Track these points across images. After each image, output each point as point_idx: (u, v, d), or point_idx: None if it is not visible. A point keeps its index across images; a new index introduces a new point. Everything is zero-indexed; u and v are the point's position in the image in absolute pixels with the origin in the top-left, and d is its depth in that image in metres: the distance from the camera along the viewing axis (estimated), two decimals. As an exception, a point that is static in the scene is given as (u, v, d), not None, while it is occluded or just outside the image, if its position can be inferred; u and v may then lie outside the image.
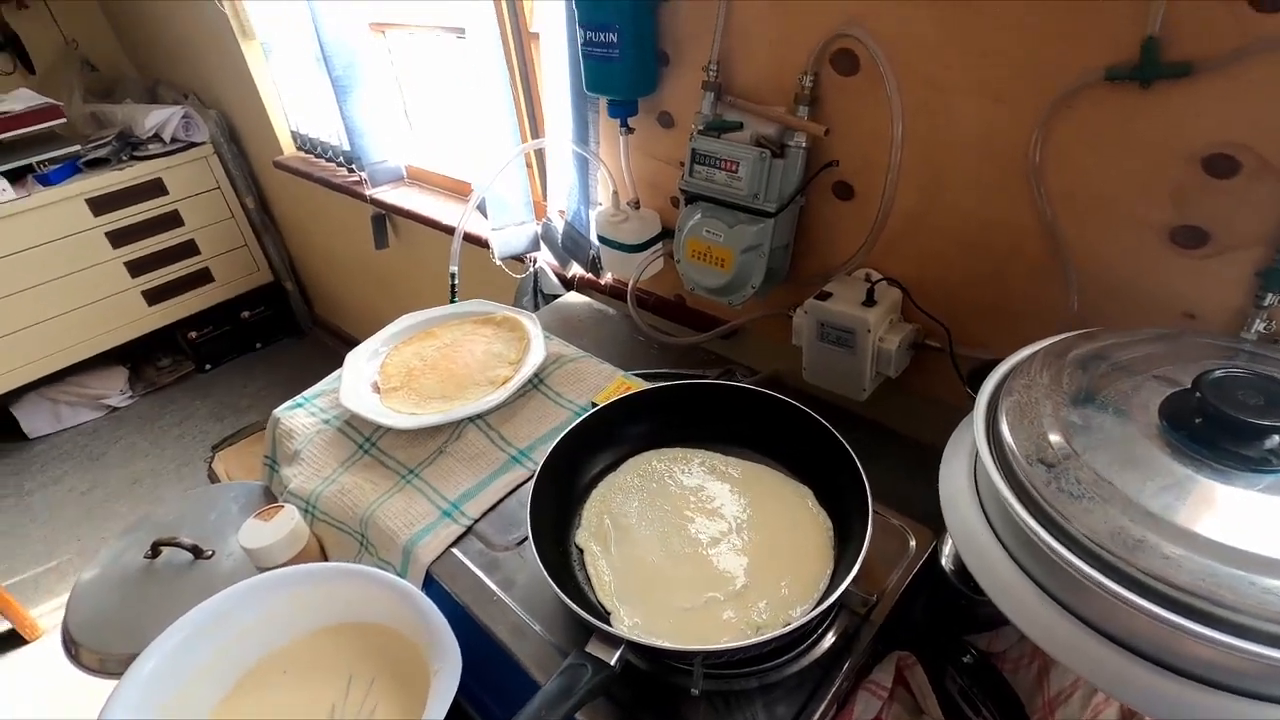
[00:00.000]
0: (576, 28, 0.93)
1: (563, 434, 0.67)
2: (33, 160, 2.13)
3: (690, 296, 1.13)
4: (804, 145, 0.82)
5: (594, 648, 0.50)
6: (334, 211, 2.12)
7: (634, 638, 0.50)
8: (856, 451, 0.63)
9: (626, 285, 1.11)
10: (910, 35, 0.71)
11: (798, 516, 0.64)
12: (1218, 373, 0.44)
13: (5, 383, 2.23)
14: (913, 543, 0.64)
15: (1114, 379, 0.50)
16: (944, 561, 0.60)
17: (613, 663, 0.49)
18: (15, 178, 2.11)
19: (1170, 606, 0.38)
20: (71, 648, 0.76)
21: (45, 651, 1.71)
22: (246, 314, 2.69)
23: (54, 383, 2.38)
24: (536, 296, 1.38)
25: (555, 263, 1.34)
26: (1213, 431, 0.43)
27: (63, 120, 2.16)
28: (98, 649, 0.74)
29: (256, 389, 2.57)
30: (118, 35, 2.68)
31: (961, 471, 0.54)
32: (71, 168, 2.19)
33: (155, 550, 0.81)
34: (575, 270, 1.31)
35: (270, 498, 0.89)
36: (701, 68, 0.88)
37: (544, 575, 0.56)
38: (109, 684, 0.63)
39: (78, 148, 2.21)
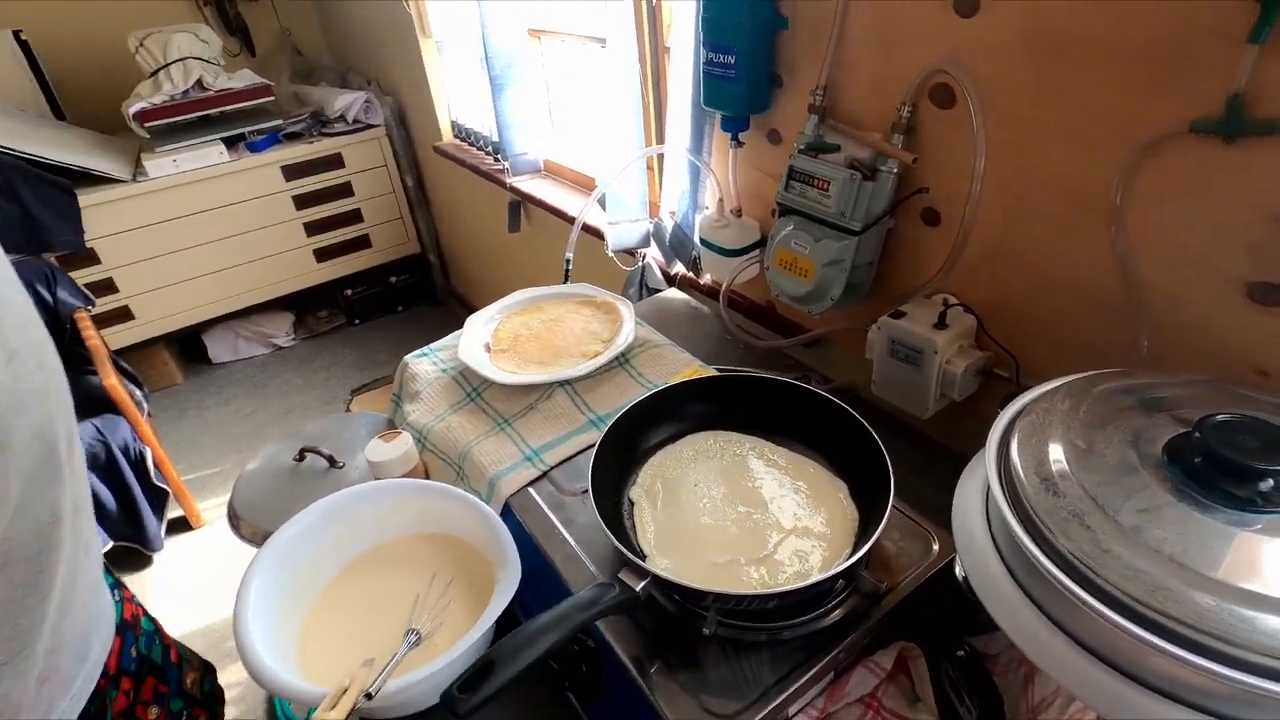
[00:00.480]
0: (701, 47, 1.02)
1: (631, 404, 0.77)
2: (245, 130, 2.52)
3: (779, 304, 1.19)
4: (895, 171, 0.87)
5: (625, 575, 0.60)
6: (478, 195, 2.35)
7: (660, 573, 0.59)
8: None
9: (721, 286, 1.19)
10: (1004, 76, 0.74)
11: (830, 505, 0.71)
12: (1222, 416, 0.47)
13: (202, 314, 2.66)
14: (936, 548, 0.69)
15: (1132, 413, 0.53)
16: (958, 570, 0.64)
17: (638, 589, 0.58)
18: (230, 144, 2.50)
19: (1125, 614, 0.42)
20: (234, 521, 0.95)
21: (206, 538, 2.05)
22: (394, 279, 3.02)
23: (237, 319, 2.80)
24: (642, 289, 1.49)
25: (662, 259, 1.44)
26: (1209, 470, 0.46)
27: (272, 98, 2.54)
28: (253, 523, 0.93)
29: (394, 346, 2.89)
30: (322, 27, 3.09)
31: (976, 485, 0.58)
32: (273, 138, 2.57)
33: (302, 455, 1.00)
34: (679, 268, 1.40)
35: (392, 427, 1.05)
36: (810, 92, 0.95)
37: (597, 516, 0.66)
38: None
39: (280, 122, 2.58)
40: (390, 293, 3.05)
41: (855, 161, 0.90)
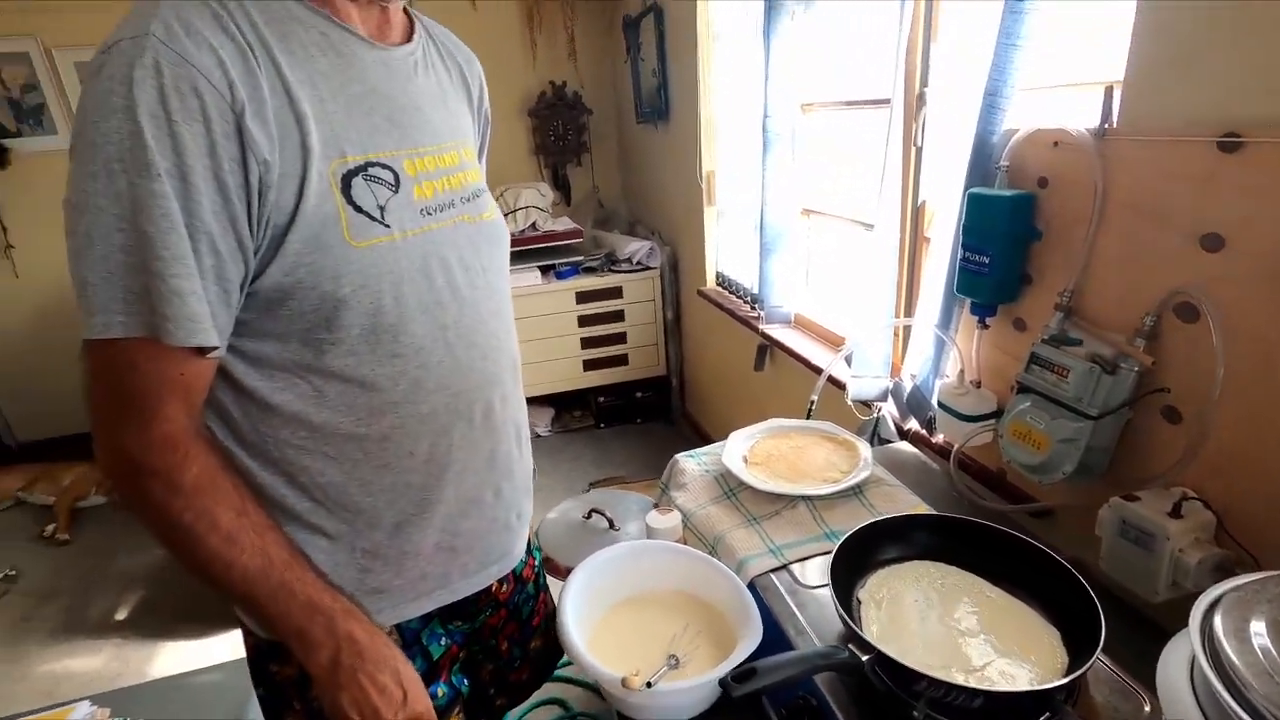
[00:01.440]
0: (959, 246, 1.24)
1: (873, 520, 0.95)
2: (556, 262, 3.21)
3: (1010, 471, 1.29)
4: (1136, 369, 0.99)
5: (853, 646, 0.76)
6: (728, 335, 2.70)
7: (882, 649, 0.75)
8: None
9: (953, 447, 1.32)
10: (1245, 301, 0.85)
11: (1040, 646, 0.80)
12: None
13: (491, 397, 3.29)
14: (1146, 709, 0.75)
15: (1346, 609, 0.59)
16: (1166, 729, 0.70)
17: (863, 660, 0.74)
18: (544, 270, 3.19)
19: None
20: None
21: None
22: (639, 394, 3.47)
23: (512, 406, 3.40)
24: (874, 439, 1.66)
25: (896, 415, 1.60)
26: None
27: (580, 240, 3.22)
28: (551, 555, 1.23)
29: (628, 453, 3.28)
30: (623, 186, 3.85)
31: (1183, 648, 0.66)
32: (575, 270, 3.23)
33: (589, 515, 1.30)
34: (912, 425, 1.55)
35: (656, 507, 1.32)
36: (1057, 292, 1.10)
37: (833, 599, 0.83)
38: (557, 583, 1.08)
39: (582, 258, 3.24)
40: (634, 406, 3.49)
41: (1096, 356, 1.02)
